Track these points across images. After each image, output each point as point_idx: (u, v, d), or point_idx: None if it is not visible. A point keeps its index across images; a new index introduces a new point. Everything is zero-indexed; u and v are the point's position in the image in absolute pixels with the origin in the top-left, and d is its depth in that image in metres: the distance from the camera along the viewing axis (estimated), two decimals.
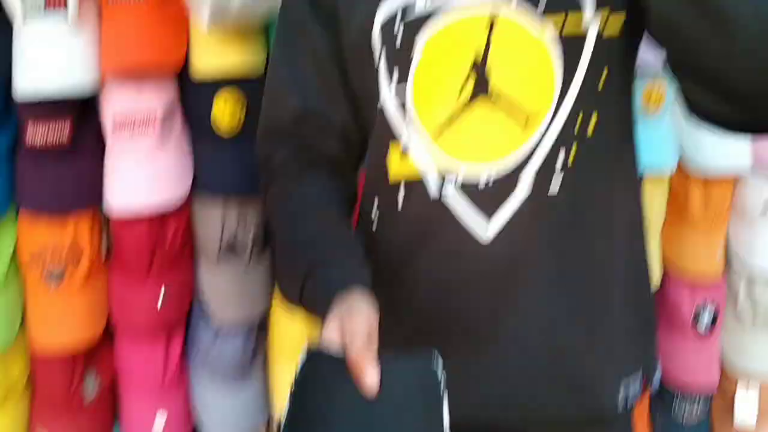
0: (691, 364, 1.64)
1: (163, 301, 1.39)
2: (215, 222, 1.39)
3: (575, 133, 0.81)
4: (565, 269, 0.83)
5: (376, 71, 0.86)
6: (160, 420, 1.45)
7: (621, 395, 0.88)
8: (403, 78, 0.84)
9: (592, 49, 0.80)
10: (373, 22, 0.85)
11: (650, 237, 1.29)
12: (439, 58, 0.82)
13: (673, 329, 1.63)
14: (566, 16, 0.79)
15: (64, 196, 1.32)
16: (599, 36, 0.79)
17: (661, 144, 1.50)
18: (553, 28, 0.79)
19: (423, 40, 0.83)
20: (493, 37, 0.80)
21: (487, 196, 0.82)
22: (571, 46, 0.79)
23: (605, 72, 0.81)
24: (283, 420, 0.64)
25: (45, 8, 1.21)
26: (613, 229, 0.86)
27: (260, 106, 0.98)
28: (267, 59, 1.34)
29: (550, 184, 0.81)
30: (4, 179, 1.31)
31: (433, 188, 0.84)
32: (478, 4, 0.80)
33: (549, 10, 0.79)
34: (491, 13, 0.80)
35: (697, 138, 1.51)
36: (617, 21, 0.80)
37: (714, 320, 1.61)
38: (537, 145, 0.81)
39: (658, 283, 1.61)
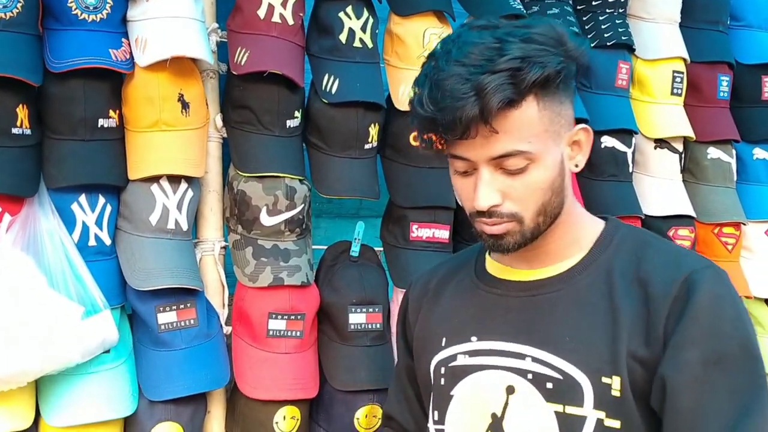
0: None
1: None
2: None
3: None
4: None
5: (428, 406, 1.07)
6: None
7: None
8: (440, 421, 1.03)
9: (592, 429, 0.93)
10: (430, 363, 1.07)
11: None
12: (468, 408, 0.99)
13: None
14: (564, 406, 0.94)
15: None
16: (599, 422, 0.93)
17: None
18: (557, 406, 0.94)
19: (458, 390, 1.01)
20: (510, 400, 0.96)
21: None
22: (572, 423, 0.93)
23: None
24: None
25: None
26: None
27: None
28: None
29: None
30: None
31: None
32: (498, 377, 0.97)
33: (552, 400, 0.94)
34: (509, 384, 0.97)
35: None
36: (615, 422, 0.93)
37: None
38: None
39: None
